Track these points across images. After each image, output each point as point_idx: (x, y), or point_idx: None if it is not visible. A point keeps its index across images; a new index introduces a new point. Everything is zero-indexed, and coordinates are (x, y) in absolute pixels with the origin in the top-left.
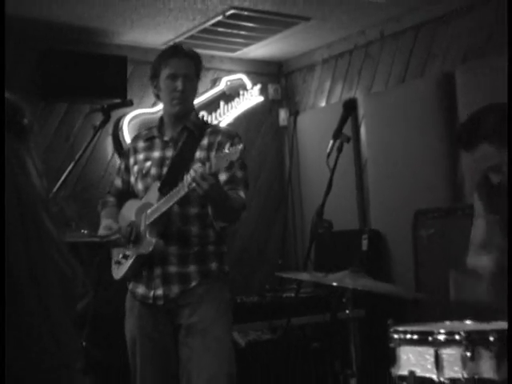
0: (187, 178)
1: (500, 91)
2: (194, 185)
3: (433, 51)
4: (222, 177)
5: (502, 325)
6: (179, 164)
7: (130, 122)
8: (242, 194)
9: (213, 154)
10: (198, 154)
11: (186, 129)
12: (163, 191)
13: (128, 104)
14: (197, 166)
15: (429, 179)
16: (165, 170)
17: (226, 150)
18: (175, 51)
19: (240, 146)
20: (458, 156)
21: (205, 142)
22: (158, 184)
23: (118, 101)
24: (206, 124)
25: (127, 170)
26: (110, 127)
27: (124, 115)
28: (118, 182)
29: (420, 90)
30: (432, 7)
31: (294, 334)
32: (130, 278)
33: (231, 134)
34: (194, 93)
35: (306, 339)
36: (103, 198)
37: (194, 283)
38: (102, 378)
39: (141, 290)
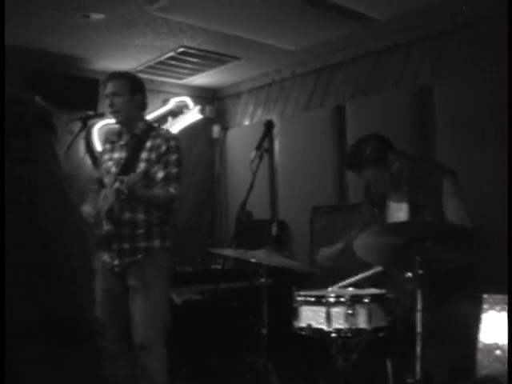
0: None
1: (377, 122)
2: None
3: (329, 89)
4: (160, 174)
5: (374, 291)
6: (129, 164)
7: (99, 130)
8: (171, 189)
9: (153, 154)
10: (144, 155)
11: (135, 135)
12: None
13: (101, 115)
14: (117, 183)
15: (323, 183)
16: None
17: (131, 174)
18: (108, 76)
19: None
20: (344, 168)
21: (148, 144)
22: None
23: (91, 113)
24: (151, 128)
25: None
26: (82, 133)
27: (93, 124)
28: (97, 174)
29: (319, 117)
30: (330, 56)
31: (218, 296)
32: (97, 248)
33: (167, 137)
34: (126, 104)
35: (227, 300)
36: (90, 185)
37: (140, 256)
38: None
39: (104, 258)
